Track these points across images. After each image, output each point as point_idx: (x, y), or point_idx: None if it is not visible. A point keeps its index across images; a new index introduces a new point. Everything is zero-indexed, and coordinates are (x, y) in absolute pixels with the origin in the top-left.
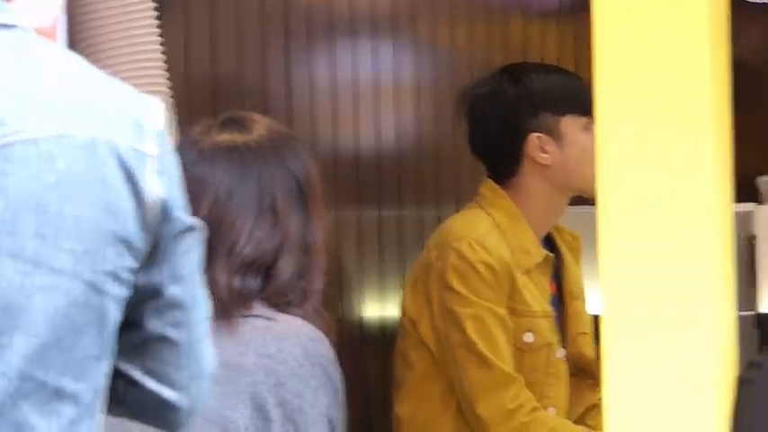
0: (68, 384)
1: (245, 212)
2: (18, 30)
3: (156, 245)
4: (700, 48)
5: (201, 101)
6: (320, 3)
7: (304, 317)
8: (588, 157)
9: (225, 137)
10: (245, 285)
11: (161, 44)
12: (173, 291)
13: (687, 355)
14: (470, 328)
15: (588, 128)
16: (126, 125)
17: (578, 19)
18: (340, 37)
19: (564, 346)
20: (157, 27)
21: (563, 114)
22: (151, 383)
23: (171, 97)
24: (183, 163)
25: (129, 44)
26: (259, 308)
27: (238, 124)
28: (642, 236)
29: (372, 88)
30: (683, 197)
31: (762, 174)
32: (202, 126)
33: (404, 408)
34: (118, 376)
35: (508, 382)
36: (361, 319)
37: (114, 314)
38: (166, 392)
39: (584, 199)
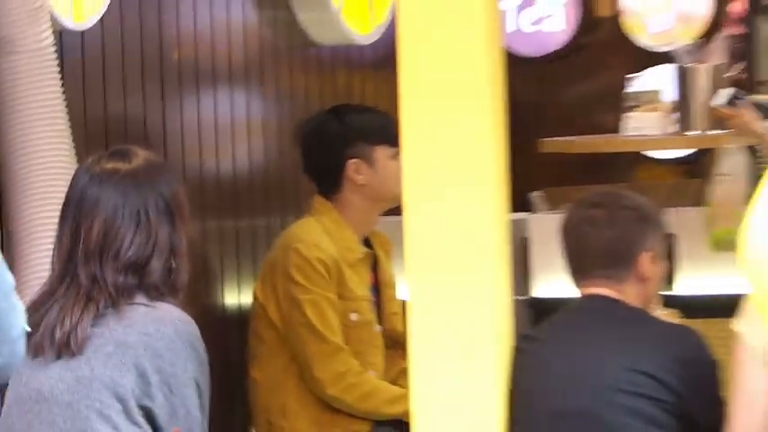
0: None
1: (127, 225)
2: None
3: None
4: (482, 94)
5: (95, 138)
6: (188, 59)
7: (177, 305)
8: (395, 178)
9: (111, 165)
10: (127, 281)
11: (64, 97)
12: None
13: (474, 329)
14: (309, 310)
15: (395, 156)
16: None
17: (391, 71)
18: (204, 85)
19: (381, 324)
20: (61, 86)
21: (376, 144)
22: None
23: (71, 134)
24: (78, 185)
25: (39, 100)
26: (141, 298)
27: (122, 155)
28: (439, 238)
29: (230, 125)
30: (470, 208)
31: (533, 189)
32: (94, 156)
33: (257, 374)
34: None
35: (339, 352)
36: (223, 304)
37: None
38: None
39: (394, 210)
